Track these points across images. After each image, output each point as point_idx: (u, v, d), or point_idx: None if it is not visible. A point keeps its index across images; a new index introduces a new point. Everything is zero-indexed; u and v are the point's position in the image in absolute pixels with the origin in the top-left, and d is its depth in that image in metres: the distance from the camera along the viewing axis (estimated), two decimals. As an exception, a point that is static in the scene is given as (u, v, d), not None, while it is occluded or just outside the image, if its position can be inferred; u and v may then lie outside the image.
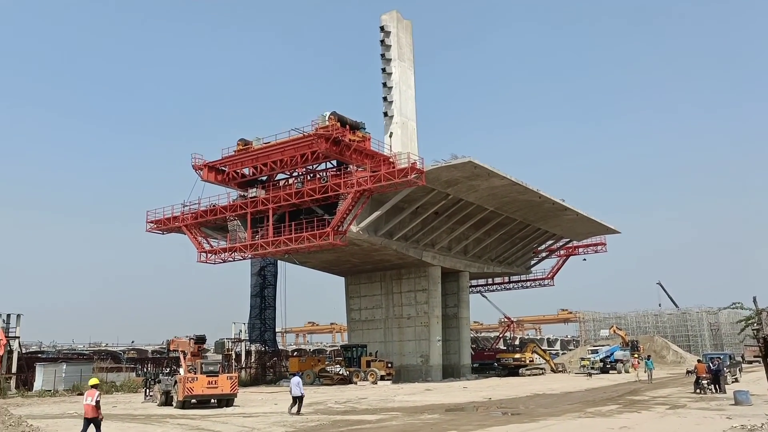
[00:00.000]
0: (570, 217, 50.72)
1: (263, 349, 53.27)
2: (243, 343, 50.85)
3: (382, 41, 45.93)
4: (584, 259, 64.76)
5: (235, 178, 43.26)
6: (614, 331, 62.93)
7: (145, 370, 49.16)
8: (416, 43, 48.32)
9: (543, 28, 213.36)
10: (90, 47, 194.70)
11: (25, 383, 39.88)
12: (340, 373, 44.73)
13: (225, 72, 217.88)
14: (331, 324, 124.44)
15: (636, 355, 52.49)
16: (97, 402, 14.09)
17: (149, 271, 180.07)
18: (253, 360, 51.65)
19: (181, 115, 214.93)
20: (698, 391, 28.87)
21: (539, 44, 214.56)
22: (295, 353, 68.37)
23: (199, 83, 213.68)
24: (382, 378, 42.28)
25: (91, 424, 14.07)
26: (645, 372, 40.55)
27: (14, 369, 39.57)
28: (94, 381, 14.99)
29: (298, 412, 22.17)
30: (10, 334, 39.72)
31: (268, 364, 52.65)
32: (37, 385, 39.52)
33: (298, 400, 22.41)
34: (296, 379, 22.95)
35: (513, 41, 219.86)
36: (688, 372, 29.39)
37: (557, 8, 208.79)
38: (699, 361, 31.28)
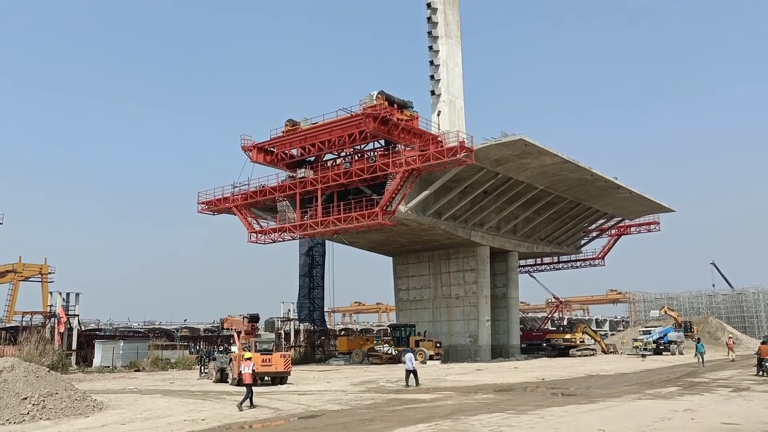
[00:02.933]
0: (623, 195, 49.58)
1: (312, 328, 53.76)
2: (292, 322, 51.40)
3: (429, 18, 45.16)
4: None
5: (284, 159, 43.43)
6: (666, 312, 61.45)
7: (198, 348, 50.33)
8: (464, 20, 47.53)
9: (591, 9, 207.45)
10: (135, 29, 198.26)
11: (85, 359, 41.30)
12: (389, 352, 44.84)
13: (272, 54, 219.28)
14: (377, 304, 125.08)
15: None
16: (253, 370, 18.36)
17: (200, 250, 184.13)
18: (302, 339, 52.19)
19: (230, 96, 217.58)
20: (761, 373, 27.84)
21: (586, 25, 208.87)
22: (343, 332, 68.91)
23: (247, 65, 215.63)
24: (431, 358, 42.25)
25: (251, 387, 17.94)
26: (695, 356, 37.98)
27: (74, 346, 41.08)
28: (248, 354, 19.08)
29: (417, 383, 24.54)
30: (70, 312, 41.21)
31: (317, 343, 53.16)
32: (96, 361, 40.82)
33: (412, 373, 24.69)
34: (409, 355, 25.34)
35: (563, 21, 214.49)
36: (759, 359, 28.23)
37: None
38: (763, 342, 30.06)
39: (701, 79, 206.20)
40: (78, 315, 42.01)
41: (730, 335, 50.05)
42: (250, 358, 18.43)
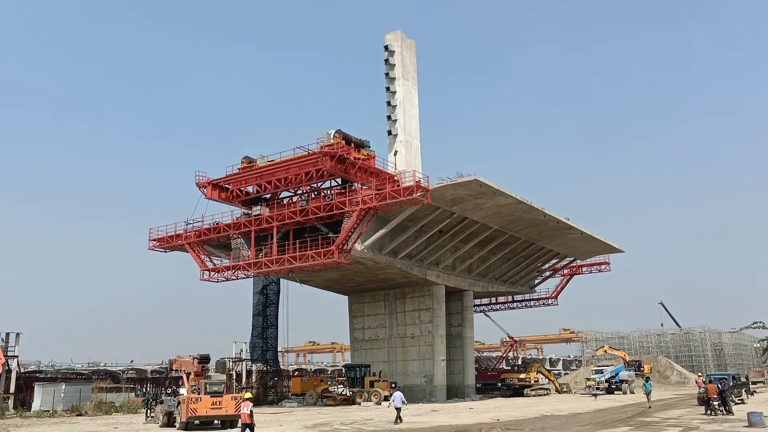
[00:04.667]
0: (574, 235, 50.52)
1: (265, 368, 52.65)
2: (244, 363, 50.23)
3: (387, 60, 46.05)
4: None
5: (239, 196, 43.10)
6: (606, 351, 62.47)
7: (144, 390, 48.55)
8: (421, 63, 48.62)
9: (552, 52, 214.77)
10: (99, 57, 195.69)
11: (24, 403, 39.21)
12: (344, 393, 44.14)
13: (229, 90, 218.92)
14: (332, 344, 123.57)
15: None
16: (251, 411, 18.36)
17: (149, 289, 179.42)
18: (254, 380, 51.00)
19: (185, 131, 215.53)
20: (709, 412, 28.40)
21: (545, 68, 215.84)
22: (297, 373, 67.67)
23: (203, 99, 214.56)
24: (386, 398, 41.68)
25: (248, 429, 18.16)
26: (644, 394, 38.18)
27: (12, 389, 38.94)
28: (248, 395, 19.48)
29: (398, 421, 25.80)
30: (9, 353, 39.19)
31: (269, 384, 52.03)
32: (36, 405, 38.86)
33: (397, 411, 26.02)
34: (398, 393, 26.59)
35: (521, 63, 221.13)
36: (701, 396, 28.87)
37: (567, 35, 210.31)
38: (709, 381, 30.73)
39: (652, 120, 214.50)
40: (17, 356, 40.09)
41: (699, 374, 51.12)
42: (249, 399, 18.96)
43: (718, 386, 28.85)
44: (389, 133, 45.56)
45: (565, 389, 57.96)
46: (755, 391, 41.42)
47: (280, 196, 43.69)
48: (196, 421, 25.33)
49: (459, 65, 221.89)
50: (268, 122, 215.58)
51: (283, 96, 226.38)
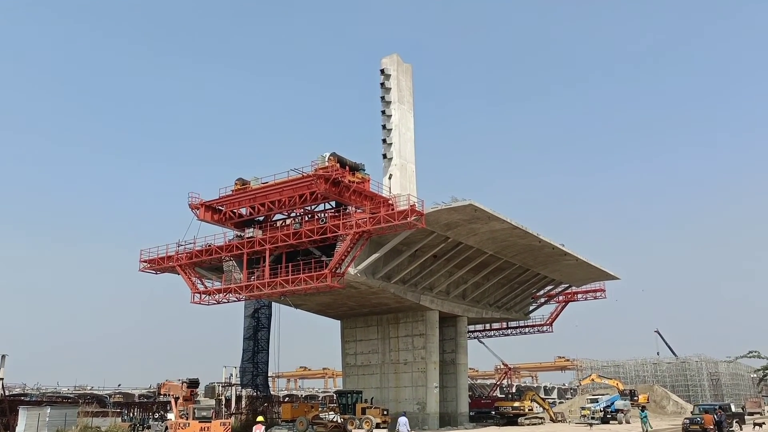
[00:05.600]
0: (570, 262, 50.43)
1: (255, 394, 52.09)
2: (234, 388, 49.69)
3: (382, 84, 46.29)
4: (576, 325, 64.65)
5: (232, 218, 42.90)
6: (593, 380, 62.07)
7: (131, 415, 47.86)
8: (417, 86, 48.90)
9: (546, 75, 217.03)
10: (90, 83, 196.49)
11: (7, 427, 38.49)
12: (335, 420, 43.46)
13: (225, 112, 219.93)
14: (324, 369, 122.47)
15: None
16: None
17: (138, 311, 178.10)
18: (244, 406, 50.40)
19: (178, 152, 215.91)
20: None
21: (541, 92, 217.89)
22: (287, 399, 66.94)
23: (200, 122, 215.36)
24: (378, 426, 41.10)
25: None
26: (642, 425, 37.79)
27: (-4, 412, 38.40)
28: (260, 418, 19.84)
29: None
30: (-6, 376, 38.72)
31: (259, 410, 51.35)
32: (20, 429, 38.10)
33: None
34: (403, 419, 26.59)
35: (516, 82, 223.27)
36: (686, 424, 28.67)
37: (563, 59, 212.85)
38: (706, 411, 30.50)
39: (648, 144, 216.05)
40: (2, 378, 39.57)
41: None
42: (261, 422, 19.07)
43: (714, 416, 28.66)
44: (384, 156, 45.63)
45: (560, 418, 57.44)
46: (756, 423, 40.94)
47: (273, 219, 43.50)
48: (184, 448, 24.87)
49: (457, 90, 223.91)
50: (263, 145, 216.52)
51: (279, 119, 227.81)
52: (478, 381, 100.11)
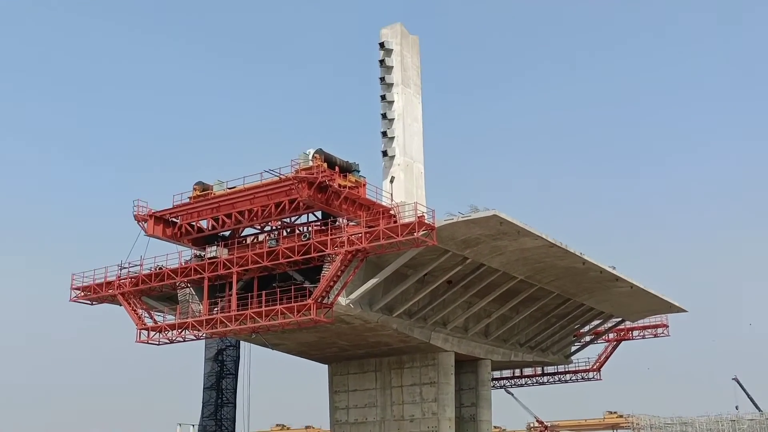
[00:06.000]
0: (622, 289, 50.34)
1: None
2: (192, 453, 49.79)
3: (382, 62, 46.38)
4: (648, 369, 64.69)
5: (190, 233, 43.01)
6: None
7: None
8: (425, 65, 49.21)
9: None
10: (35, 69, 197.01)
11: None
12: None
13: (180, 100, 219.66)
14: (307, 428, 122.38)
15: None
16: None
17: (67, 351, 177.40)
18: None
19: (117, 150, 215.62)
20: None
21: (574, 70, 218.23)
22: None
23: (146, 112, 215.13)
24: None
25: None
26: None
27: None
28: None
29: None
30: None
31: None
32: None
33: None
34: None
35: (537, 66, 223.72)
36: None
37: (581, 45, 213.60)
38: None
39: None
40: None
41: None
42: None
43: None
44: (384, 154, 45.75)
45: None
46: None
47: (243, 234, 43.62)
48: None
49: (472, 70, 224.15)
50: (230, 140, 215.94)
51: (251, 108, 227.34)
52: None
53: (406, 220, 36.66)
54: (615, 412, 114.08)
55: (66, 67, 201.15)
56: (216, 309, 41.12)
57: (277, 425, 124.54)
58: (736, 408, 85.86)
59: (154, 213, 42.66)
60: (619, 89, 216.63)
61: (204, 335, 43.23)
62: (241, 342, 51.48)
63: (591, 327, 61.60)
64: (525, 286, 47.37)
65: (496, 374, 62.65)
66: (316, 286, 37.62)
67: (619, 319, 60.28)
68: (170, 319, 43.79)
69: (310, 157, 38.96)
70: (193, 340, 43.66)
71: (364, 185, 40.61)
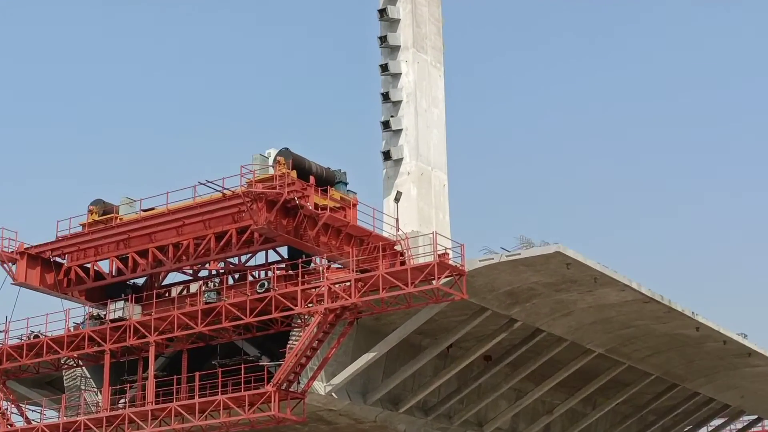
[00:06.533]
0: (759, 369, 50.12)
1: None
2: None
3: (383, 11, 45.69)
4: None
5: (82, 281, 42.10)
6: None
7: None
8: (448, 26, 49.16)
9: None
10: None
11: None
12: None
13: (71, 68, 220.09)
14: None
15: None
16: None
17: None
18: None
19: None
20: None
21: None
22: None
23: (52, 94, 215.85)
24: None
25: None
26: None
27: None
28: None
29: None
30: None
31: None
32: None
33: None
34: None
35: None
36: None
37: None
38: None
39: None
40: None
41: None
42: None
43: None
44: (386, 156, 45.20)
45: None
46: None
47: (165, 283, 42.59)
48: None
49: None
50: (144, 133, 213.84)
51: (175, 83, 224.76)
52: None
53: (421, 261, 35.48)
54: None
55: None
56: (123, 401, 40.60)
57: None
58: None
59: (27, 249, 42.08)
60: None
61: (105, 441, 42.65)
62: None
63: (711, 430, 62.51)
64: (604, 364, 47.40)
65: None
66: (280, 365, 36.36)
67: (755, 416, 62.11)
68: (52, 416, 42.78)
69: (271, 161, 38.53)
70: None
71: (355, 205, 40.22)
